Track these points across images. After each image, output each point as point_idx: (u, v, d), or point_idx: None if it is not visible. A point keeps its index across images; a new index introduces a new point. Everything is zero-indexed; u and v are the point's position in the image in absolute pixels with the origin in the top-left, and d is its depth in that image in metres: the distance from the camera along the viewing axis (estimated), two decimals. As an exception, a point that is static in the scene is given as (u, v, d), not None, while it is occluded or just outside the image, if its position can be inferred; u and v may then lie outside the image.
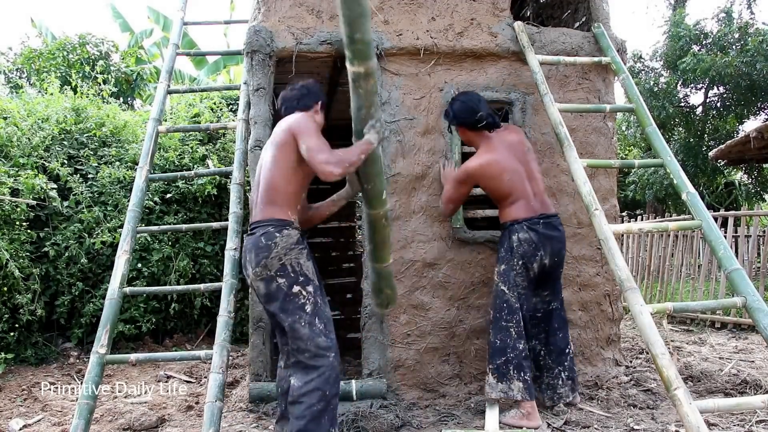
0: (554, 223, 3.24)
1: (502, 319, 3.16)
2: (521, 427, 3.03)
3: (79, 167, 5.41)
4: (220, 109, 6.39)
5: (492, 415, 3.10)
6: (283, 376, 2.80)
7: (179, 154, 5.71)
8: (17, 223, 4.75)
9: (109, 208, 5.26)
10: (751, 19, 13.40)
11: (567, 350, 3.29)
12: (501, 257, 3.24)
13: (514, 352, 3.10)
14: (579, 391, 3.39)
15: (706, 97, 13.80)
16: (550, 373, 3.29)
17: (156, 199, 5.42)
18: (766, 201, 16.30)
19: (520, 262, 3.15)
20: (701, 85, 13.27)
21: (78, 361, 4.88)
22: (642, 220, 12.30)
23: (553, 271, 3.26)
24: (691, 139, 13.75)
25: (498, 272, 3.24)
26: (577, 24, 4.38)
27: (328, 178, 2.38)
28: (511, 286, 3.17)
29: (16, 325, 4.69)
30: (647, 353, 4.55)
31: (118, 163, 5.52)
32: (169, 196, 5.52)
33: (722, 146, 8.72)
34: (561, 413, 3.22)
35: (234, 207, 3.47)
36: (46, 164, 5.21)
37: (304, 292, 2.52)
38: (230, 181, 3.66)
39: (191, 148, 5.81)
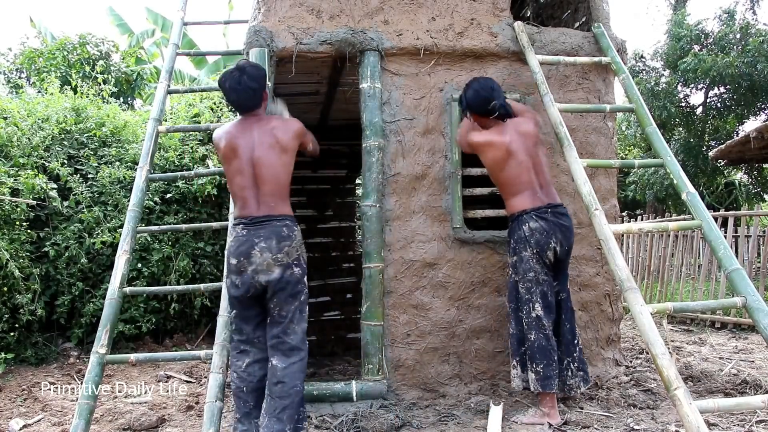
0: (561, 211, 3.23)
1: (518, 309, 3.21)
2: (542, 424, 3.02)
3: (79, 167, 5.42)
4: (220, 109, 6.38)
5: (495, 415, 3.10)
6: (251, 368, 2.72)
7: (179, 154, 5.71)
8: (17, 223, 4.75)
9: (109, 208, 5.27)
10: (753, 19, 13.42)
11: (575, 341, 3.28)
12: (512, 248, 3.23)
13: (527, 342, 3.13)
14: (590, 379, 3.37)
15: (706, 97, 13.81)
16: (560, 364, 3.23)
17: (156, 199, 5.42)
18: (766, 201, 16.31)
19: (534, 251, 3.13)
20: (702, 85, 13.29)
21: (78, 361, 4.88)
22: (642, 220, 12.29)
23: (563, 259, 3.26)
24: (692, 139, 13.76)
25: (510, 264, 3.27)
26: (577, 24, 4.38)
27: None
28: (521, 277, 3.17)
29: (16, 325, 4.68)
30: (647, 353, 4.55)
31: (118, 163, 5.53)
32: (169, 196, 5.52)
33: (722, 146, 8.74)
34: (561, 412, 3.21)
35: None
36: (46, 164, 5.21)
37: (306, 283, 2.79)
38: (230, 181, 3.65)
39: (191, 148, 5.81)
